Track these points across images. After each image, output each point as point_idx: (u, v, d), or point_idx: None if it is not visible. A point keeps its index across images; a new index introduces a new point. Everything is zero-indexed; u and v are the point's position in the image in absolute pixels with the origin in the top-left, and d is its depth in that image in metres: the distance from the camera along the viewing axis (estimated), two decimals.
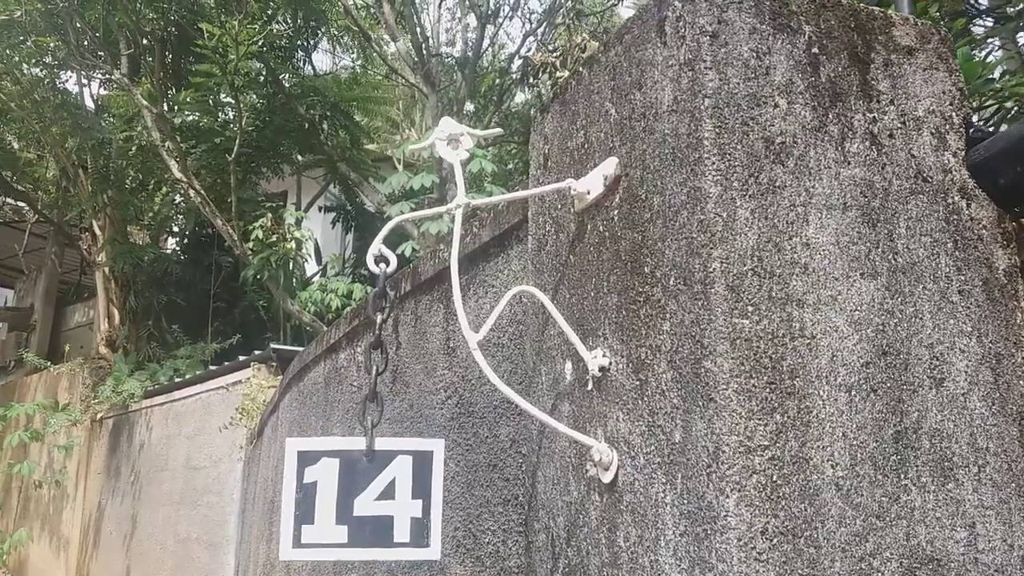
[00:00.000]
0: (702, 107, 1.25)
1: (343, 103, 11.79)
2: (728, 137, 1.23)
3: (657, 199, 1.33)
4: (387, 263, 1.47)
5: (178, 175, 10.68)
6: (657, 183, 1.33)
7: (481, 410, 2.42)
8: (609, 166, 1.50)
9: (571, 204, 1.65)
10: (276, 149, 11.83)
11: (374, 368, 1.44)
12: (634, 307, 1.37)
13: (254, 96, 11.25)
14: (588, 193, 1.56)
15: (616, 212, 1.46)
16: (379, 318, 1.43)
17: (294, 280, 11.39)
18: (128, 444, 11.10)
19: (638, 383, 1.33)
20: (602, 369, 1.42)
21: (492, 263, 2.51)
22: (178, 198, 13.07)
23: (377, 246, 1.48)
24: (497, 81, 12.85)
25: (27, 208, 14.82)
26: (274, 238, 10.27)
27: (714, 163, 1.22)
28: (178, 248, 14.77)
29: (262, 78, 11.10)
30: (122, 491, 10.98)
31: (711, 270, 1.18)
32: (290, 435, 4.88)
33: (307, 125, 11.19)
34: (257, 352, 8.35)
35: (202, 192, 10.58)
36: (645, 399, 1.31)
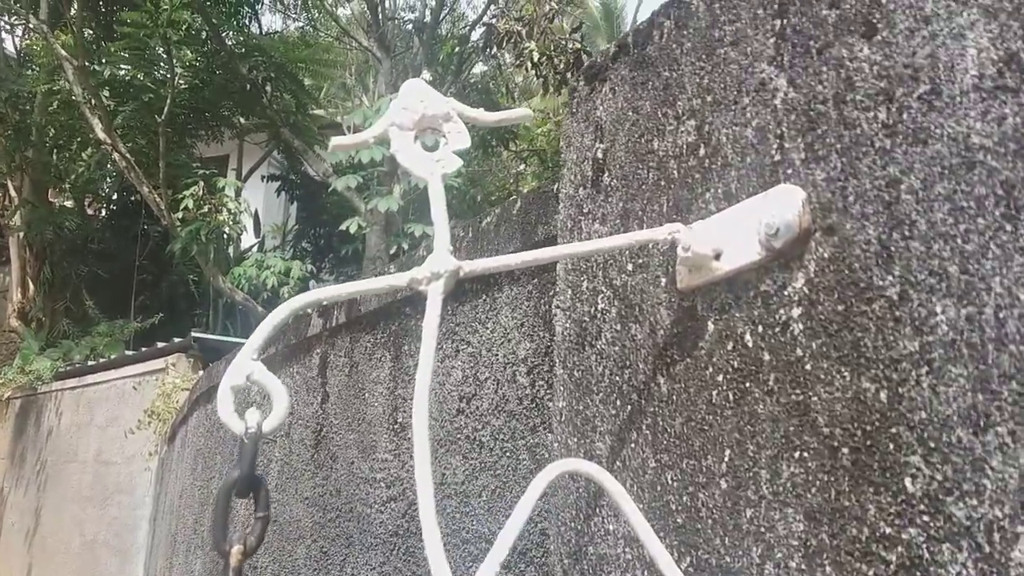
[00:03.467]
0: None
1: (290, 64, 10.99)
2: None
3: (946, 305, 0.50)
4: (258, 417, 0.62)
5: (101, 135, 9.72)
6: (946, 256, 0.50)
7: (443, 538, 1.57)
8: (784, 206, 0.66)
9: (664, 271, 0.80)
10: (215, 111, 11.01)
11: None
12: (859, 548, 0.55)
13: (189, 52, 10.33)
14: (717, 258, 0.72)
15: (801, 309, 0.64)
16: (235, 551, 0.59)
17: (230, 254, 10.62)
18: (35, 430, 10.44)
19: None
20: None
21: (470, 306, 1.66)
22: (106, 161, 12.04)
23: (237, 376, 0.63)
24: (457, 49, 12.10)
25: None
26: (206, 208, 9.38)
27: None
28: (103, 215, 13.74)
29: (204, 34, 10.22)
30: (26, 480, 10.41)
31: None
32: (194, 466, 3.98)
33: (249, 87, 10.38)
34: (177, 340, 7.58)
35: (127, 155, 9.63)
36: None
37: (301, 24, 14.50)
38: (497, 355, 1.56)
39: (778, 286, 0.69)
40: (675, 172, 0.82)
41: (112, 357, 9.00)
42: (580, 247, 0.76)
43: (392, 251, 8.77)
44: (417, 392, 0.69)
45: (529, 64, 8.18)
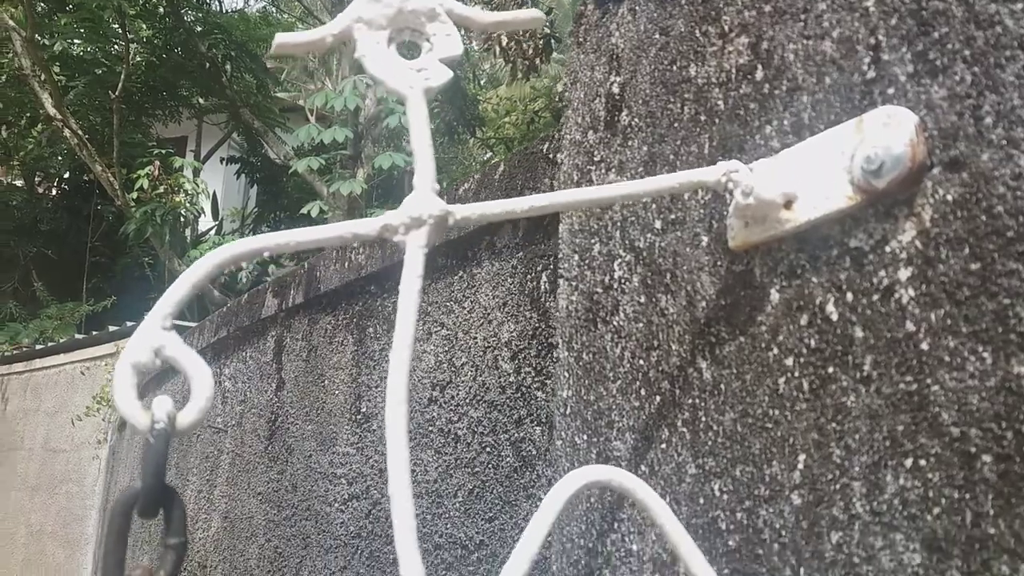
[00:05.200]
0: None
1: (251, 44, 10.73)
2: None
3: None
4: (169, 409, 0.44)
5: (51, 110, 9.37)
6: None
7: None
8: (888, 135, 0.49)
9: (707, 228, 0.64)
10: (172, 90, 10.72)
11: None
12: None
13: (145, 27, 10.03)
14: (787, 206, 0.55)
15: (911, 270, 0.48)
16: None
17: (186, 237, 10.36)
18: None
19: None
20: None
21: (444, 284, 1.48)
22: (57, 138, 11.67)
23: (142, 350, 0.45)
24: None
25: None
26: (162, 189, 9.11)
27: None
28: (54, 194, 13.32)
29: (161, 9, 9.93)
30: None
31: None
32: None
33: (209, 65, 10.10)
34: (130, 324, 7.33)
35: (78, 132, 9.29)
36: None
37: (263, 3, 14.21)
38: (476, 338, 1.39)
39: (876, 241, 0.52)
40: (720, 104, 0.65)
41: (62, 341, 8.68)
42: (605, 191, 0.59)
43: None
44: (393, 367, 0.51)
45: (497, 49, 8.01)
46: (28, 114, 11.56)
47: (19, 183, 12.77)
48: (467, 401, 1.37)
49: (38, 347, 9.10)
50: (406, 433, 0.50)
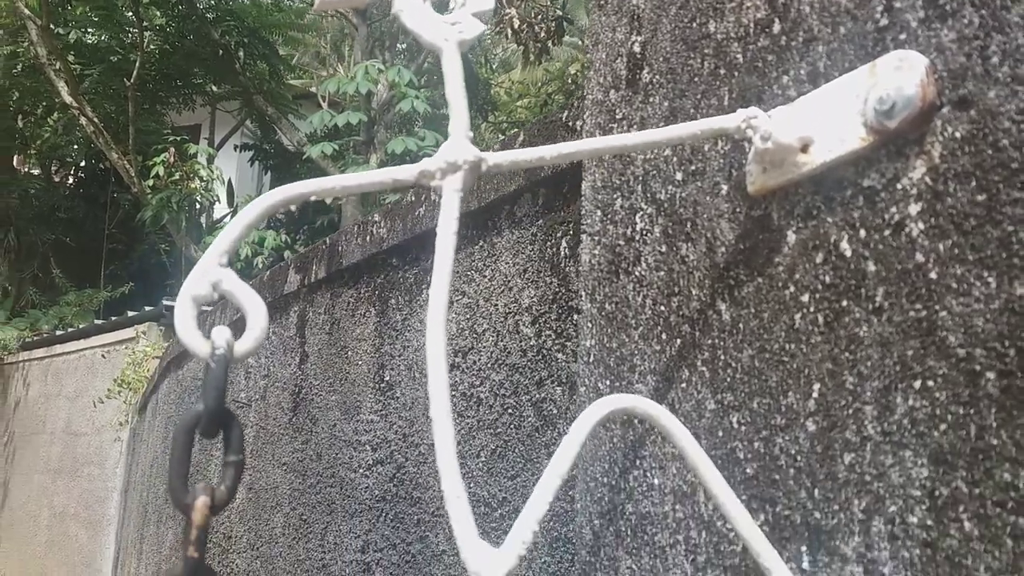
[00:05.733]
0: None
1: (263, 30, 10.73)
2: None
3: None
4: (227, 336, 0.47)
5: (67, 98, 9.44)
6: None
7: (436, 502, 1.44)
8: (899, 77, 0.52)
9: (726, 176, 0.67)
10: (186, 78, 10.75)
11: None
12: None
13: (159, 14, 10.06)
14: (804, 150, 0.58)
15: (921, 204, 0.51)
16: (200, 505, 0.44)
17: (202, 223, 10.43)
18: (2, 401, 10.36)
19: None
20: None
21: (464, 254, 1.51)
22: (73, 126, 11.75)
23: (201, 283, 0.48)
24: None
25: None
26: (177, 176, 9.18)
27: None
28: (71, 183, 13.42)
29: None
30: None
31: None
32: (165, 435, 3.82)
33: (222, 52, 10.12)
34: (148, 308, 7.41)
35: (95, 120, 9.35)
36: None
37: None
38: (496, 305, 1.42)
39: (888, 179, 0.55)
40: (739, 57, 0.68)
41: (81, 327, 8.77)
42: (629, 138, 0.62)
43: None
44: (432, 300, 0.54)
45: (509, 31, 7.99)
46: (44, 103, 11.64)
47: (36, 172, 12.88)
48: (489, 365, 1.41)
49: (58, 333, 9.19)
50: (445, 359, 0.53)
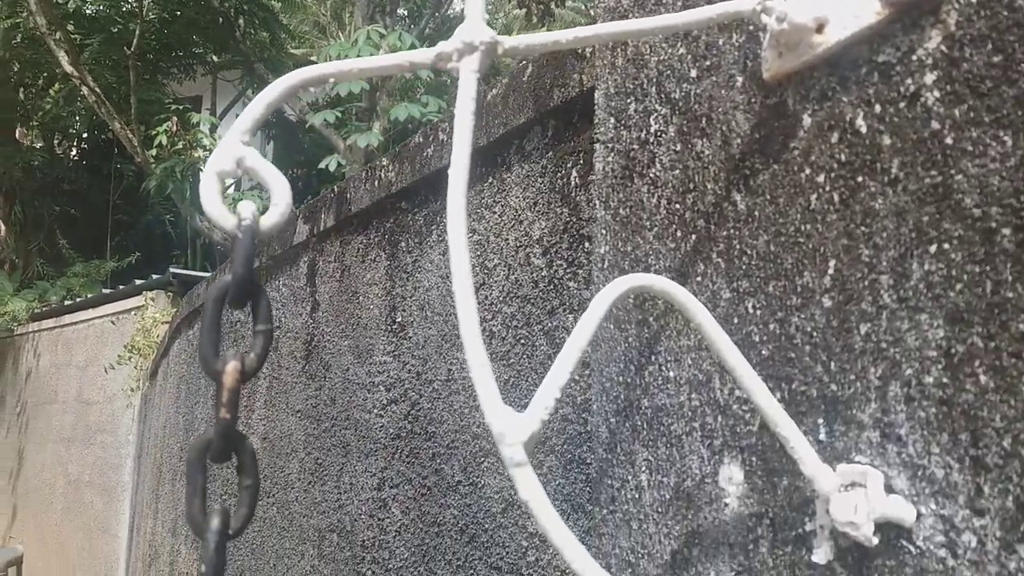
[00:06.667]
0: None
1: None
2: None
3: None
4: (255, 210, 0.48)
5: (68, 69, 9.39)
6: None
7: (451, 435, 1.46)
8: None
9: (741, 68, 0.67)
10: (186, 47, 10.68)
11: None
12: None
13: None
14: (819, 30, 0.59)
15: (937, 73, 0.51)
16: (231, 369, 0.46)
17: None
18: (13, 371, 10.36)
19: None
20: (889, 528, 0.50)
21: (474, 192, 1.52)
22: (75, 97, 11.71)
23: (225, 160, 0.49)
24: None
25: None
26: (180, 145, 9.16)
27: None
28: (74, 154, 13.41)
29: None
30: (7, 423, 10.44)
31: None
32: (178, 394, 3.85)
33: (221, 20, 10.03)
34: (156, 276, 7.44)
35: (96, 90, 9.30)
36: None
37: None
38: (507, 239, 1.43)
39: (903, 52, 0.55)
40: None
41: (89, 296, 8.81)
42: (644, 23, 0.62)
43: None
44: (452, 183, 0.55)
45: None
46: (45, 74, 11.59)
47: (39, 145, 12.86)
48: (500, 299, 1.42)
49: (66, 303, 9.23)
50: (465, 236, 0.54)
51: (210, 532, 0.47)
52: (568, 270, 1.26)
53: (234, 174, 0.52)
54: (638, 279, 0.58)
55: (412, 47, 7.84)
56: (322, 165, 8.15)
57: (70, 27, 9.91)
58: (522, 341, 1.34)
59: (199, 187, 0.52)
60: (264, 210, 0.52)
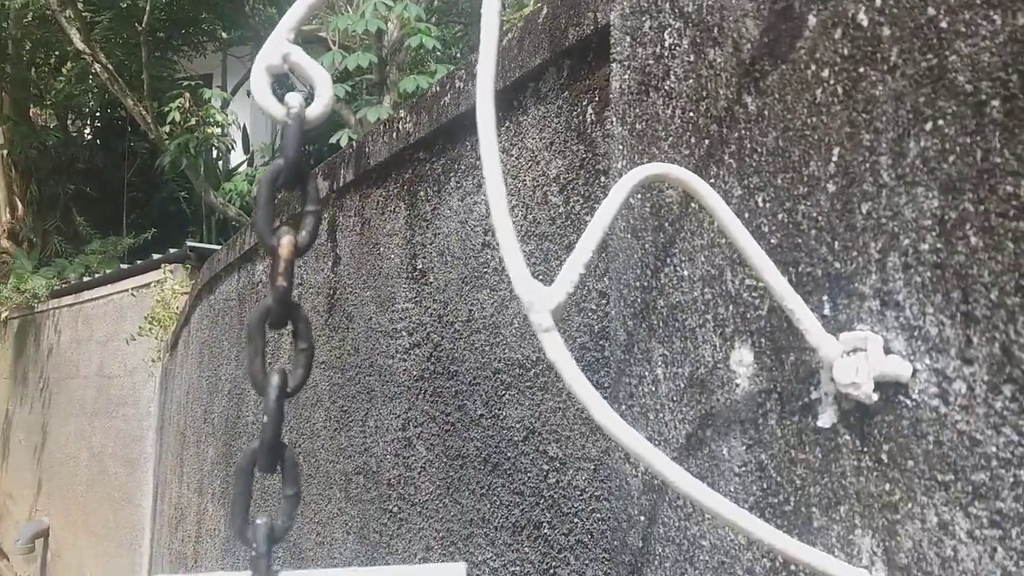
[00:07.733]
0: None
1: None
2: None
3: None
4: (303, 100, 0.53)
5: (80, 46, 9.45)
6: None
7: (472, 372, 1.51)
8: None
9: None
10: (196, 23, 10.72)
11: (273, 383, 0.51)
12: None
13: None
14: None
15: None
16: (286, 242, 0.50)
17: (217, 169, 10.48)
18: (35, 348, 10.51)
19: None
20: (888, 384, 0.55)
21: None
22: (87, 75, 11.77)
23: (272, 55, 0.54)
24: None
25: None
26: (193, 121, 9.21)
27: None
28: (88, 133, 13.49)
29: None
30: (31, 398, 10.58)
31: None
32: (200, 359, 3.93)
33: None
34: (173, 250, 7.52)
35: (109, 66, 9.36)
36: None
37: None
38: (524, 180, 1.47)
39: None
40: None
41: (108, 271, 8.92)
42: None
43: None
44: (480, 83, 0.60)
45: None
46: (57, 52, 11.65)
47: (52, 124, 12.95)
48: (519, 239, 1.46)
49: (85, 279, 9.34)
50: (494, 113, 0.58)
51: (271, 388, 0.52)
52: (585, 205, 1.30)
53: (280, 69, 0.57)
54: (656, 168, 0.62)
55: (419, 18, 7.83)
56: (333, 140, 8.17)
57: (80, 4, 9.95)
58: (540, 278, 1.38)
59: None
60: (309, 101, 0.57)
